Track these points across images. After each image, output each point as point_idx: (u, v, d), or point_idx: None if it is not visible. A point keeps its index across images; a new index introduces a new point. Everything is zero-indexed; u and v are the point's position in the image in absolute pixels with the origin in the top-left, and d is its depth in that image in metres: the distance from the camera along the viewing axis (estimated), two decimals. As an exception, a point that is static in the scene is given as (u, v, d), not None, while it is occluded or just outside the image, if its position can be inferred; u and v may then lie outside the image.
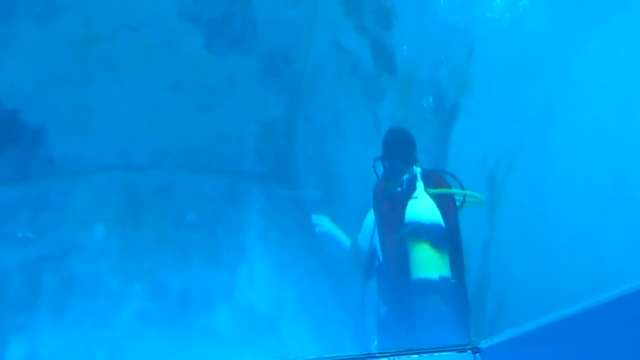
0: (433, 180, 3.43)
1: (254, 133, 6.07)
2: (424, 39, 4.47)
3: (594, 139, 3.04)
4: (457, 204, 3.44)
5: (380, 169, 3.66)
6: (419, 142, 3.68)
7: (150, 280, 5.29)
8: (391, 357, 2.36)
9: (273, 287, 5.36)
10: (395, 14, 4.71)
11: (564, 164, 3.23)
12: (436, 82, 4.36)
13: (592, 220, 2.99)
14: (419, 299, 3.20)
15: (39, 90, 5.43)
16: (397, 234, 3.29)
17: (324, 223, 3.92)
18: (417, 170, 3.44)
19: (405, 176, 3.42)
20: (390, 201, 3.37)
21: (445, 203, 3.36)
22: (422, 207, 3.31)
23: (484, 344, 2.40)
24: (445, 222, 3.31)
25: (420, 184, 3.37)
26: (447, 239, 3.28)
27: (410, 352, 2.35)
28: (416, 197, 3.33)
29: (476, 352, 2.38)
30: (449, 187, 3.45)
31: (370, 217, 3.51)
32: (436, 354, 2.37)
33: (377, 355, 2.47)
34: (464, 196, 3.44)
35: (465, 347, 2.37)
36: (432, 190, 3.37)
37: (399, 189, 3.38)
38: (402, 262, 3.23)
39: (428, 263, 3.23)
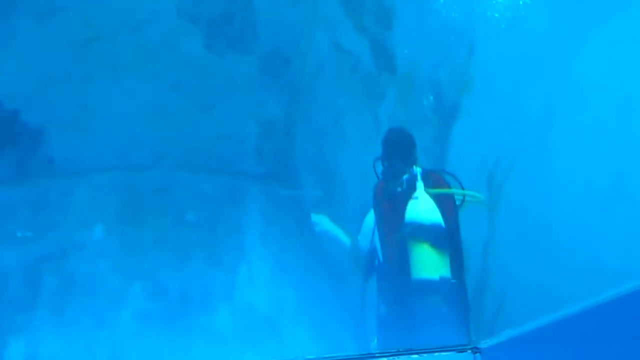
0: (433, 180, 3.44)
1: (254, 133, 6.07)
2: (424, 39, 4.47)
3: (594, 139, 3.04)
4: (457, 203, 3.45)
5: (380, 169, 3.65)
6: (418, 142, 3.68)
7: (150, 280, 5.29)
8: (391, 357, 2.36)
9: (273, 287, 5.36)
10: (395, 14, 4.70)
11: (564, 164, 3.23)
12: (436, 82, 4.36)
13: (592, 220, 2.99)
14: (420, 299, 3.20)
15: (39, 90, 5.42)
16: (398, 234, 3.29)
17: (323, 222, 3.92)
18: (417, 170, 3.44)
19: (406, 176, 3.42)
20: (391, 201, 3.37)
21: (445, 203, 3.36)
22: (422, 207, 3.32)
23: (483, 344, 2.40)
24: (445, 222, 3.31)
25: (420, 184, 3.37)
26: (447, 239, 3.29)
27: (410, 352, 2.36)
28: (416, 197, 3.33)
29: (476, 352, 2.38)
30: (449, 187, 3.45)
31: (371, 217, 3.51)
32: (436, 354, 2.37)
33: (377, 355, 2.47)
34: (464, 196, 3.44)
35: (465, 347, 2.37)
36: (432, 190, 3.37)
37: (399, 189, 3.39)
38: (402, 262, 3.23)
39: (428, 263, 3.23)
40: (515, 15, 3.69)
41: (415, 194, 3.34)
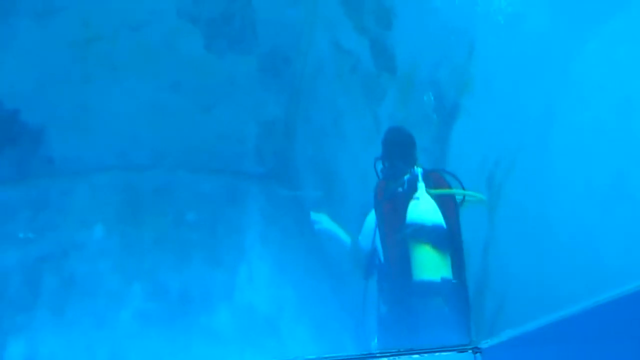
0: (434, 180, 3.44)
1: (254, 133, 6.06)
2: (424, 38, 4.47)
3: (594, 139, 3.04)
4: (458, 203, 3.45)
5: (381, 169, 3.65)
6: (418, 142, 3.68)
7: (150, 280, 5.29)
8: (392, 357, 2.37)
9: (273, 287, 5.36)
10: (395, 13, 4.70)
11: (564, 164, 3.23)
12: (436, 81, 4.36)
13: (592, 220, 2.99)
14: (421, 300, 3.20)
15: (39, 90, 5.42)
16: (399, 234, 3.29)
17: (322, 220, 3.92)
18: (419, 170, 3.44)
19: (407, 176, 3.42)
20: (392, 201, 3.37)
21: (446, 203, 3.37)
22: (423, 207, 3.31)
23: (484, 344, 2.40)
24: (446, 222, 3.31)
25: (421, 185, 3.37)
26: (448, 239, 3.29)
27: (410, 352, 2.36)
28: (417, 198, 3.33)
29: (477, 352, 2.39)
30: (449, 187, 3.45)
31: (372, 217, 3.51)
32: (437, 354, 2.37)
33: (377, 355, 2.47)
34: (464, 195, 3.45)
35: (465, 347, 2.38)
36: (433, 191, 3.37)
37: (400, 189, 3.39)
38: (403, 263, 3.23)
39: (430, 264, 3.23)
40: (515, 12, 3.69)
41: (417, 195, 3.34)
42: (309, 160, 5.97)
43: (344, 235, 3.83)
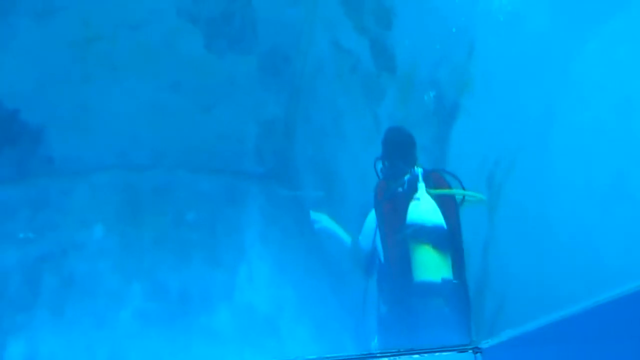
0: (434, 180, 3.43)
1: (254, 133, 6.06)
2: (423, 38, 4.47)
3: (594, 139, 3.04)
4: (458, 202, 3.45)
5: (381, 169, 3.65)
6: (418, 142, 3.69)
7: (149, 279, 5.29)
8: (392, 357, 2.37)
9: (273, 287, 5.36)
10: (395, 13, 4.71)
11: (564, 164, 3.23)
12: (436, 81, 4.36)
13: (592, 220, 2.99)
14: (422, 301, 3.20)
15: (39, 90, 5.42)
16: (399, 234, 3.29)
17: (322, 219, 3.93)
18: (419, 170, 3.44)
19: (407, 176, 3.42)
20: (392, 202, 3.37)
21: (446, 204, 3.36)
22: (424, 208, 3.31)
23: (484, 344, 2.40)
24: (446, 222, 3.31)
25: (421, 185, 3.37)
26: (449, 240, 3.29)
27: (411, 352, 2.36)
28: (418, 199, 3.33)
29: (477, 352, 2.39)
30: (449, 187, 3.45)
31: (372, 217, 3.51)
32: (437, 354, 2.38)
33: (378, 355, 2.48)
34: (464, 195, 3.45)
35: (466, 347, 2.38)
36: (433, 191, 3.37)
37: (400, 190, 3.39)
38: (403, 263, 3.23)
39: (430, 265, 3.23)
40: (515, 11, 3.68)
41: (417, 195, 3.34)
42: (308, 160, 5.97)
43: (343, 235, 3.83)
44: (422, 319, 3.18)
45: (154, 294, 5.23)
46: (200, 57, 5.65)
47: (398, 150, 3.61)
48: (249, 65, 5.76)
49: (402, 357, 2.35)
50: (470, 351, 2.39)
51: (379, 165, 3.66)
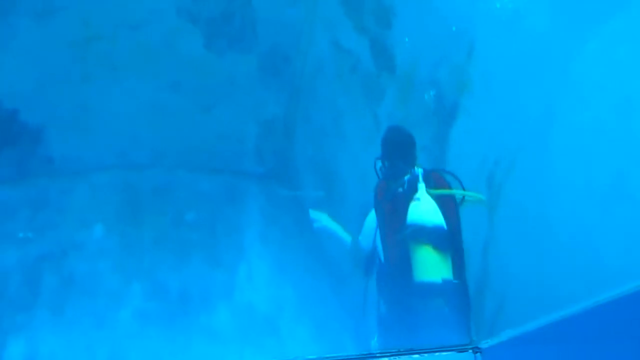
0: (434, 180, 3.43)
1: (254, 132, 6.06)
2: (423, 38, 4.47)
3: (594, 139, 3.04)
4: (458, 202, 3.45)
5: (381, 169, 3.65)
6: (418, 142, 3.69)
7: (149, 279, 5.29)
8: (392, 357, 2.37)
9: (273, 287, 5.36)
10: (395, 13, 4.71)
11: (564, 164, 3.23)
12: (436, 81, 4.36)
13: (592, 220, 2.99)
14: (422, 302, 3.20)
15: (39, 90, 5.42)
16: (399, 235, 3.29)
17: (322, 219, 3.93)
18: (419, 170, 3.44)
19: (407, 177, 3.42)
20: (392, 202, 3.37)
21: (446, 204, 3.36)
22: (424, 208, 3.31)
23: (484, 344, 2.41)
24: (447, 222, 3.31)
25: (422, 185, 3.36)
26: (449, 240, 3.29)
27: (411, 351, 2.36)
28: (418, 199, 3.32)
29: (477, 352, 2.39)
30: (450, 187, 3.45)
31: (372, 217, 3.51)
32: (437, 353, 2.38)
33: (377, 355, 2.48)
34: (464, 195, 3.45)
35: (465, 347, 2.38)
36: (433, 191, 3.37)
37: (400, 190, 3.39)
38: (404, 263, 3.23)
39: (431, 266, 3.23)
40: (515, 9, 3.68)
41: (417, 195, 3.34)
42: (308, 160, 5.97)
43: (343, 234, 3.83)
44: (422, 319, 3.18)
45: (153, 294, 5.23)
46: (200, 57, 5.65)
47: (398, 150, 3.61)
48: (249, 65, 5.76)
49: (402, 357, 2.35)
50: (470, 351, 2.39)
51: (379, 165, 3.65)
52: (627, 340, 1.97)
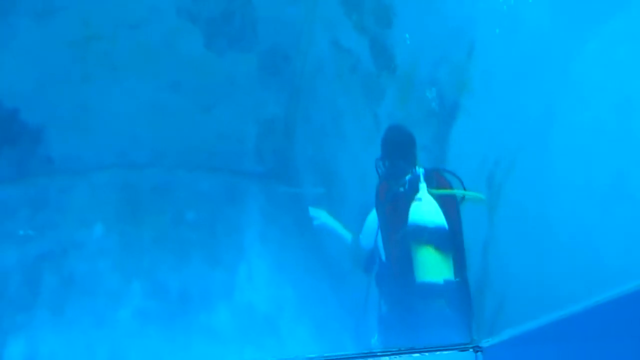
0: (435, 180, 3.43)
1: (254, 132, 6.07)
2: (423, 37, 4.47)
3: (594, 139, 3.05)
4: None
5: (381, 169, 3.65)
6: (418, 141, 3.69)
7: (149, 279, 5.29)
8: (393, 356, 2.37)
9: (273, 286, 5.37)
10: (394, 12, 4.71)
11: (564, 164, 3.23)
12: (436, 81, 4.36)
13: (592, 220, 3.00)
14: (423, 302, 3.20)
15: (39, 89, 5.42)
16: (401, 235, 3.29)
17: (321, 216, 3.93)
18: (420, 170, 3.44)
19: (408, 177, 3.42)
20: (393, 202, 3.37)
21: (447, 204, 3.36)
22: (425, 208, 3.31)
23: (485, 343, 2.41)
24: (448, 222, 3.31)
25: (423, 185, 3.36)
26: (450, 240, 3.29)
27: (411, 350, 2.37)
28: (419, 199, 3.32)
29: (477, 351, 2.40)
30: (450, 187, 3.45)
31: (373, 216, 3.51)
32: (437, 352, 2.38)
33: (378, 354, 2.48)
34: (464, 194, 3.45)
35: (466, 346, 2.39)
36: (435, 191, 3.37)
37: (401, 190, 3.38)
38: (405, 263, 3.23)
39: (432, 266, 3.23)
40: (515, 7, 3.69)
41: (419, 195, 3.34)
42: (308, 160, 5.97)
43: (343, 231, 3.82)
44: (423, 319, 3.18)
45: (153, 293, 5.23)
46: (200, 57, 5.65)
47: (398, 149, 3.61)
48: (249, 65, 5.76)
49: (403, 356, 2.36)
50: (471, 350, 2.40)
51: (380, 165, 3.65)
52: (627, 340, 1.98)
